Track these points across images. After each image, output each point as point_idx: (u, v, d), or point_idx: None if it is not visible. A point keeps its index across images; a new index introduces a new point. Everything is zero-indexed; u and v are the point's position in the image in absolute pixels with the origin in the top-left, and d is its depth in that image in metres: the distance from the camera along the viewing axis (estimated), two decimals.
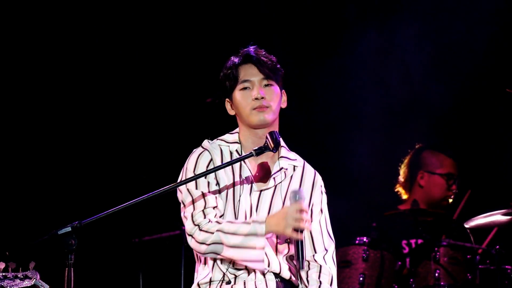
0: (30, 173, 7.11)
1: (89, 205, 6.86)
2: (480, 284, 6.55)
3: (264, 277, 3.99)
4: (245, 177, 4.05)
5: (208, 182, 4.00)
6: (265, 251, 3.90)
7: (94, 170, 7.30)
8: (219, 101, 6.06)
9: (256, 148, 3.92)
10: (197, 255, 4.08)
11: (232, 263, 3.97)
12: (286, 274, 4.04)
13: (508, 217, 6.34)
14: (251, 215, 4.01)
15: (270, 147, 3.92)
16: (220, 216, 3.98)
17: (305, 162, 4.20)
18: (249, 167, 4.07)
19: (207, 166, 4.04)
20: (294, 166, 4.14)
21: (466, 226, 6.51)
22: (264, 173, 4.09)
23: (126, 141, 7.39)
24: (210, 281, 3.99)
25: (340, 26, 7.62)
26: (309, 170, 4.18)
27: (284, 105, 4.14)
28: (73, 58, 7.24)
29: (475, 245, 6.78)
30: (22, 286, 4.09)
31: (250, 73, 4.05)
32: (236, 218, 3.99)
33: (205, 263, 4.03)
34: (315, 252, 4.10)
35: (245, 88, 4.05)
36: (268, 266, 3.98)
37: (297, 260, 3.84)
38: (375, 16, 7.56)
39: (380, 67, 7.57)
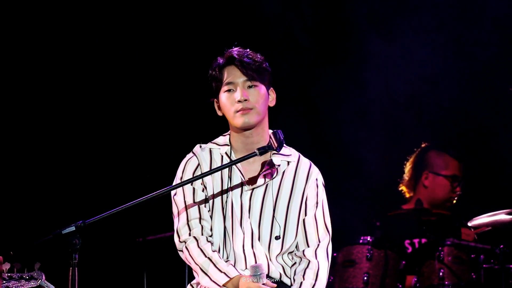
0: (34, 173, 7.11)
1: (93, 204, 6.87)
2: (484, 284, 6.54)
3: None
4: (236, 178, 4.07)
5: (194, 189, 4.06)
6: (254, 251, 3.99)
7: (98, 170, 7.30)
8: None
9: (260, 147, 3.93)
10: None
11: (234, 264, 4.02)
12: (275, 275, 4.05)
13: None
14: (241, 217, 4.03)
15: (274, 146, 3.92)
16: (211, 230, 4.03)
17: (301, 156, 4.19)
18: (239, 168, 4.08)
19: (194, 172, 4.08)
20: (288, 161, 4.13)
21: (470, 225, 6.50)
22: (255, 172, 4.09)
23: (131, 140, 7.39)
24: (199, 283, 4.06)
25: (348, 27, 7.61)
26: (304, 163, 4.17)
27: (272, 103, 4.14)
28: (77, 59, 7.24)
29: (479, 244, 6.77)
30: (28, 287, 4.09)
31: (233, 75, 4.05)
32: (224, 221, 4.02)
33: None
34: (307, 246, 4.09)
35: (229, 90, 4.05)
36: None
37: None
38: (381, 17, 7.55)
39: (386, 66, 7.56)
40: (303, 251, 4.09)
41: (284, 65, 7.51)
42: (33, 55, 7.10)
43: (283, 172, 4.10)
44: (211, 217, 4.05)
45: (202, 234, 4.01)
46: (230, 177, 4.06)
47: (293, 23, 7.54)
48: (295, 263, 4.09)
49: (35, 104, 7.14)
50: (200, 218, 4.03)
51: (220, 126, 4.39)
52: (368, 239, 6.67)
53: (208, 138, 4.22)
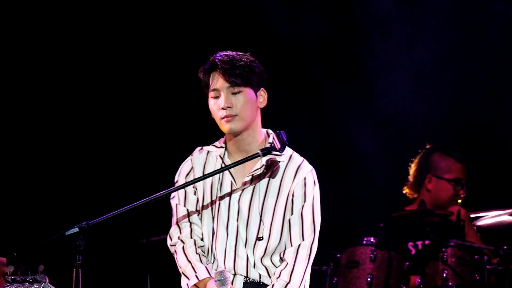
0: (38, 175, 7.12)
1: (97, 206, 6.87)
2: (488, 285, 6.54)
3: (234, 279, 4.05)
4: (226, 180, 4.09)
5: (185, 192, 4.11)
6: (235, 253, 4.02)
7: (102, 171, 7.31)
8: None
9: (263, 148, 3.93)
10: None
11: (216, 267, 4.05)
12: (254, 276, 4.06)
13: None
14: (228, 218, 4.05)
15: (277, 147, 3.92)
16: (201, 236, 4.09)
17: (294, 154, 4.14)
18: (230, 170, 4.08)
19: (186, 175, 4.13)
20: (278, 161, 4.10)
21: (474, 226, 6.49)
22: (245, 173, 4.09)
23: (135, 142, 7.40)
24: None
25: (353, 29, 7.61)
26: (294, 162, 4.12)
27: (263, 104, 4.10)
28: (84, 62, 7.25)
29: (483, 245, 6.77)
30: None
31: (217, 82, 4.03)
32: (213, 222, 4.06)
33: None
34: (291, 246, 4.05)
35: (215, 97, 4.05)
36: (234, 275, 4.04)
37: None
38: (385, 18, 7.55)
39: (390, 66, 7.56)
40: (285, 251, 4.06)
41: (290, 66, 7.52)
42: (37, 56, 7.11)
43: (272, 172, 4.08)
44: (201, 219, 4.10)
45: (191, 237, 4.08)
46: (221, 181, 4.09)
47: (301, 27, 7.54)
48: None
49: (39, 106, 7.15)
50: (190, 221, 4.09)
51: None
52: (372, 240, 6.67)
53: (211, 140, 4.22)
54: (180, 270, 4.05)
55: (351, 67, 7.63)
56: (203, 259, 4.04)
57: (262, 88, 4.09)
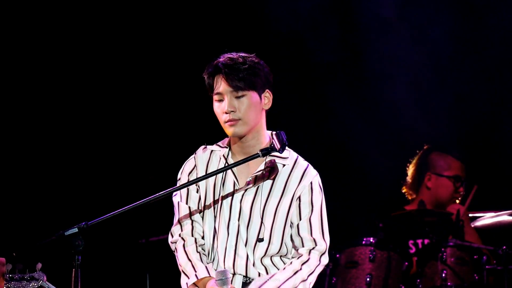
0: (37, 175, 7.12)
1: (96, 206, 6.87)
2: (487, 285, 6.53)
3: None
4: (229, 180, 4.09)
5: (188, 190, 4.10)
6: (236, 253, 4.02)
7: (101, 171, 7.31)
8: None
9: (263, 149, 3.93)
10: None
11: (217, 266, 4.06)
12: (253, 275, 4.05)
13: None
14: (229, 218, 4.05)
15: (276, 147, 3.92)
16: (202, 235, 4.08)
17: (299, 158, 4.14)
18: (234, 169, 4.09)
19: (189, 174, 4.12)
20: (283, 164, 4.09)
21: (473, 226, 6.49)
22: (248, 174, 4.09)
23: (134, 142, 7.39)
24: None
25: (353, 28, 7.61)
26: (300, 166, 4.12)
27: (267, 106, 4.09)
28: (83, 62, 7.25)
29: (482, 245, 6.76)
30: (29, 287, 4.09)
31: (221, 85, 4.01)
32: (215, 221, 4.06)
33: None
34: (302, 247, 4.07)
35: (219, 100, 4.04)
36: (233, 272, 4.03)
37: None
38: (384, 17, 7.55)
39: (391, 67, 7.56)
40: (297, 250, 4.08)
41: (290, 66, 7.52)
42: (36, 56, 7.11)
43: (277, 174, 4.08)
44: (203, 217, 4.09)
45: (192, 235, 4.07)
46: (223, 178, 4.09)
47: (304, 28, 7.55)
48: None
49: (39, 106, 7.15)
50: (191, 219, 4.09)
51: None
52: (371, 240, 6.67)
53: (211, 140, 4.22)
54: (180, 268, 4.05)
55: (353, 68, 7.63)
56: (203, 258, 4.04)
57: (267, 90, 4.07)
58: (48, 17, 7.13)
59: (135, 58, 7.39)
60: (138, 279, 6.88)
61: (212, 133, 4.33)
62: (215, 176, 4.06)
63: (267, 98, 4.07)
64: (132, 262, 7.13)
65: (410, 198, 7.30)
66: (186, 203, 4.10)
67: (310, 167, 4.13)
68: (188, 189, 4.09)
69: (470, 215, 6.98)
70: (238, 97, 3.99)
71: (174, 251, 4.11)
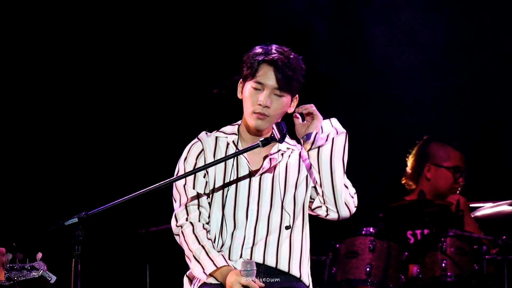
0: (37, 164, 7.12)
1: (96, 196, 6.87)
2: (487, 275, 6.54)
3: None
4: (242, 168, 4.07)
5: (195, 174, 4.04)
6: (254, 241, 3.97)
7: (101, 161, 7.31)
8: (226, 92, 6.08)
9: (262, 139, 3.93)
10: None
11: (229, 256, 4.01)
12: (271, 262, 4.03)
13: None
14: (248, 204, 4.02)
15: (276, 137, 3.92)
16: (208, 216, 4.03)
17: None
18: (245, 156, 4.08)
19: (197, 157, 4.08)
20: (292, 149, 4.15)
21: (473, 216, 6.50)
22: (260, 159, 4.09)
23: (134, 132, 7.39)
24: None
25: (351, 15, 7.60)
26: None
27: (291, 110, 4.12)
28: (74, 50, 7.24)
29: (482, 235, 6.77)
30: (29, 277, 4.09)
31: (267, 77, 4.02)
32: (223, 209, 4.02)
33: None
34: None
35: (256, 88, 4.04)
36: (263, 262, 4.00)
37: None
38: (384, 9, 7.54)
39: (390, 55, 7.55)
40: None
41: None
42: (33, 51, 7.11)
43: (289, 156, 4.12)
44: (210, 204, 4.05)
45: (199, 221, 4.01)
46: (236, 166, 4.06)
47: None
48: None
49: (37, 96, 7.14)
50: (198, 204, 4.03)
51: (224, 117, 4.38)
52: (371, 230, 6.67)
53: (210, 129, 4.21)
54: (190, 254, 3.96)
55: (352, 55, 7.62)
56: (214, 245, 3.99)
57: (296, 95, 4.13)
58: (47, 17, 7.12)
59: (132, 50, 7.38)
60: (138, 269, 6.88)
61: (211, 122, 4.33)
62: (224, 164, 4.04)
63: (294, 103, 4.12)
64: (132, 252, 7.13)
65: (409, 188, 7.30)
66: (193, 188, 4.04)
67: None
68: (195, 174, 4.03)
69: (470, 205, 6.98)
70: (276, 95, 4.02)
71: (178, 235, 4.03)
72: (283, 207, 4.04)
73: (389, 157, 7.63)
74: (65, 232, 3.60)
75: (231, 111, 4.43)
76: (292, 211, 4.05)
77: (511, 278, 6.36)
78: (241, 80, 4.12)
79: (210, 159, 4.06)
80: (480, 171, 7.40)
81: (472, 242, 6.63)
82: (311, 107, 4.04)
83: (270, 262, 4.00)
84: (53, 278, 4.12)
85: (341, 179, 4.07)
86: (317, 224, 4.16)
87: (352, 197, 4.13)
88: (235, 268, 3.92)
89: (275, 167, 4.09)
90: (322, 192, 4.05)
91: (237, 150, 4.03)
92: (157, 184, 3.77)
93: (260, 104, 3.99)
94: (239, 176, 4.05)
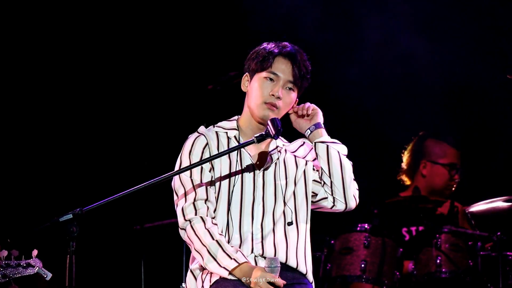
0: (32, 160, 7.11)
1: (91, 192, 6.86)
2: (481, 271, 6.55)
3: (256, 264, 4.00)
4: (246, 162, 4.07)
5: (202, 168, 4.01)
6: (273, 241, 3.99)
7: (96, 157, 7.30)
8: (220, 88, 6.07)
9: (257, 135, 3.93)
10: None
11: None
12: (292, 262, 4.04)
13: (510, 204, 6.32)
14: (254, 198, 4.02)
15: (271, 133, 3.93)
16: (214, 211, 4.00)
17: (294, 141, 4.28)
18: (248, 152, 4.08)
19: (203, 151, 4.06)
20: (289, 143, 4.22)
21: (467, 212, 6.50)
22: (262, 155, 4.10)
23: (128, 127, 7.38)
24: (203, 267, 4.00)
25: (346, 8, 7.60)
26: (306, 143, 4.24)
27: (291, 110, 4.16)
28: (68, 46, 7.23)
29: (477, 231, 6.78)
30: (25, 274, 4.09)
31: (282, 69, 4.06)
32: (230, 204, 4.00)
33: None
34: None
35: (269, 79, 4.06)
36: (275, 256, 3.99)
37: None
38: (375, 3, 7.54)
39: (381, 52, 7.55)
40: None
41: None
42: (31, 49, 7.11)
43: (285, 150, 4.16)
44: (217, 199, 4.02)
45: (207, 216, 3.97)
46: (240, 162, 4.06)
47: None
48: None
49: (31, 93, 7.13)
50: (206, 199, 3.99)
51: (220, 112, 4.38)
52: (366, 226, 6.67)
53: (208, 124, 4.21)
54: (204, 249, 3.90)
55: (346, 53, 7.62)
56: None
57: (298, 97, 4.18)
58: (46, 15, 7.13)
59: (124, 48, 7.37)
60: (133, 265, 6.88)
61: (205, 118, 4.33)
62: (229, 159, 4.04)
63: (295, 103, 4.16)
64: (127, 248, 7.13)
65: (405, 184, 7.30)
66: (200, 182, 4.00)
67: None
68: (202, 168, 4.01)
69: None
70: (288, 88, 4.07)
71: (184, 229, 3.96)
72: (285, 203, 4.05)
73: (384, 153, 7.63)
74: (60, 228, 3.59)
75: (226, 107, 4.43)
76: (293, 207, 4.07)
77: (505, 274, 6.37)
78: (246, 73, 4.13)
79: (215, 153, 4.04)
80: (476, 169, 7.40)
81: (467, 238, 6.63)
82: (311, 105, 4.12)
83: (281, 257, 4.00)
84: (48, 275, 4.12)
85: (350, 171, 4.12)
86: (312, 220, 4.16)
87: (357, 190, 4.17)
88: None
89: (275, 162, 4.11)
90: (331, 182, 4.08)
91: (239, 144, 4.03)
92: (161, 176, 3.76)
93: (273, 95, 4.03)
94: (243, 171, 4.05)
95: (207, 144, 4.06)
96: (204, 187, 4.00)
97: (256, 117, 4.08)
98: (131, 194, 3.73)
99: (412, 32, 7.49)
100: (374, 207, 6.87)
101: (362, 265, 6.57)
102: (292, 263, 4.03)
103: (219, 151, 4.05)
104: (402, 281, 6.67)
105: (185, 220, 3.97)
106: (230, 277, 3.88)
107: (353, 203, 4.15)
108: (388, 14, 7.48)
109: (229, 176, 4.04)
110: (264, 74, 4.06)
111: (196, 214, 3.95)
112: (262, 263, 3.94)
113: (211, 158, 3.94)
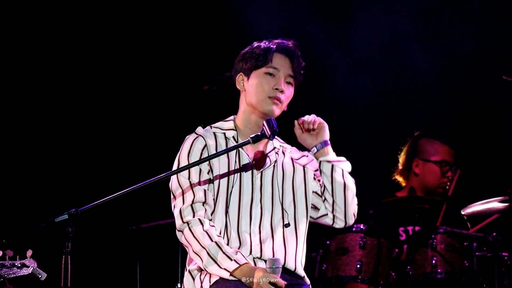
0: (28, 160, 7.10)
1: (86, 192, 6.86)
2: (477, 271, 6.55)
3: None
4: (244, 163, 4.06)
5: (200, 170, 4.01)
6: (261, 237, 3.98)
7: (92, 157, 7.30)
8: (216, 88, 6.07)
9: (253, 135, 3.93)
10: None
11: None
12: (291, 265, 4.04)
13: (505, 204, 6.32)
14: (252, 199, 4.02)
15: (267, 134, 3.92)
16: (211, 213, 3.99)
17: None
18: (246, 153, 4.07)
19: (201, 152, 4.05)
20: (284, 148, 4.22)
21: (463, 213, 6.51)
22: (260, 156, 4.10)
23: (124, 128, 7.38)
24: (201, 268, 3.99)
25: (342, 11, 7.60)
26: (290, 148, 4.26)
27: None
28: (66, 46, 7.23)
29: (472, 232, 6.78)
30: (20, 274, 4.08)
31: (282, 64, 4.08)
32: (228, 205, 4.00)
33: None
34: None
35: (270, 74, 4.07)
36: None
37: None
38: (372, 2, 7.54)
39: (377, 52, 7.55)
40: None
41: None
42: (30, 49, 7.10)
43: (283, 154, 4.17)
44: (215, 201, 4.02)
45: (205, 218, 3.95)
46: (239, 163, 4.06)
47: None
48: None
49: (28, 94, 7.13)
50: (204, 202, 3.98)
51: (216, 113, 4.38)
52: (361, 227, 6.67)
53: (204, 125, 4.20)
54: (203, 251, 3.89)
55: (343, 53, 7.62)
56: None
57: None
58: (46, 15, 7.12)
59: (121, 49, 7.37)
60: (129, 266, 6.87)
61: (201, 119, 4.33)
62: (227, 160, 4.04)
63: (291, 99, 4.19)
64: (123, 249, 7.12)
65: (401, 185, 7.31)
66: (199, 184, 4.00)
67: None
68: (200, 169, 4.01)
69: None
70: (288, 83, 4.10)
71: (182, 231, 3.95)
72: (283, 208, 4.05)
73: (380, 153, 7.64)
74: (55, 228, 3.59)
75: (222, 108, 4.43)
76: (292, 213, 4.08)
77: (501, 274, 6.37)
78: (241, 73, 4.13)
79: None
80: (472, 169, 7.40)
81: (463, 239, 6.63)
82: (317, 118, 4.14)
83: (281, 258, 4.01)
84: (43, 276, 4.12)
85: (353, 190, 4.15)
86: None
87: (357, 205, 4.19)
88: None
89: (273, 164, 4.11)
90: (333, 201, 4.11)
91: (236, 144, 4.03)
92: (159, 176, 3.76)
93: (276, 88, 4.05)
94: (242, 172, 4.05)
95: (205, 145, 4.06)
96: (202, 189, 3.99)
97: (259, 113, 4.08)
98: (127, 194, 3.72)
99: (412, 32, 7.50)
100: (369, 207, 6.87)
101: (358, 266, 6.56)
102: (290, 266, 4.03)
103: (221, 151, 4.03)
104: (397, 281, 6.67)
105: (183, 222, 3.95)
106: (231, 278, 3.88)
107: (351, 221, 4.18)
108: (385, 13, 7.48)
109: (227, 177, 4.03)
110: (263, 70, 4.07)
111: (194, 216, 3.94)
112: (260, 265, 3.95)
113: (208, 158, 3.93)
